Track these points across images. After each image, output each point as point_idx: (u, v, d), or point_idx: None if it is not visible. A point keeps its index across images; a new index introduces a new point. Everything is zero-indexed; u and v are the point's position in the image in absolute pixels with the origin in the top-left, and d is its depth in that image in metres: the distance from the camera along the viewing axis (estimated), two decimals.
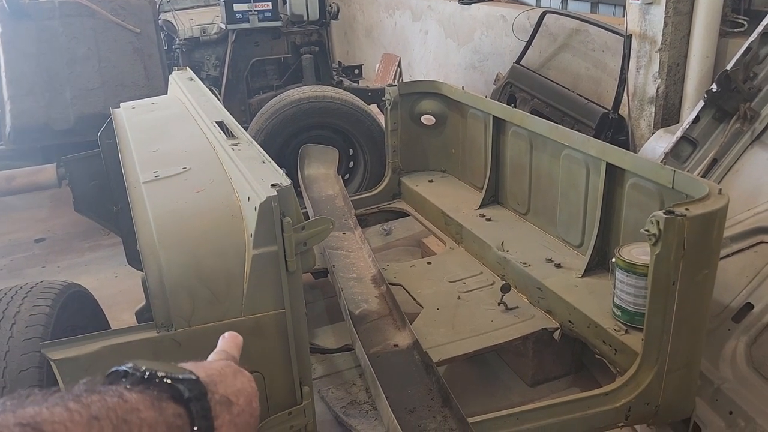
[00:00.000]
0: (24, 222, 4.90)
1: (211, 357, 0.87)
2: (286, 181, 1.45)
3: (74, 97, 4.02)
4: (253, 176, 1.51)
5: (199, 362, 0.74)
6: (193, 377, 0.68)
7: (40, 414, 0.54)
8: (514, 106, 4.24)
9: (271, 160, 1.63)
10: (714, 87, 2.84)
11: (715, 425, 2.15)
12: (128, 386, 0.63)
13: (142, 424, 0.60)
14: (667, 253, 1.78)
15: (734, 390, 2.18)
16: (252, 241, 1.42)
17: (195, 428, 0.66)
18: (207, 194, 1.62)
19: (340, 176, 3.79)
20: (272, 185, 1.42)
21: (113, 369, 0.67)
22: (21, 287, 1.96)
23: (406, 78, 6.93)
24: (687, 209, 1.79)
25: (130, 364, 0.67)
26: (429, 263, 3.03)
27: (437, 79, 3.75)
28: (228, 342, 0.89)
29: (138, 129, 2.25)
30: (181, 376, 0.67)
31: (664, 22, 3.66)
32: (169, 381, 0.66)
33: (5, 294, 1.90)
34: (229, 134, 1.92)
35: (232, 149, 1.76)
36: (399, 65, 6.63)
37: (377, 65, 7.02)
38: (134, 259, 2.78)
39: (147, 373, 0.66)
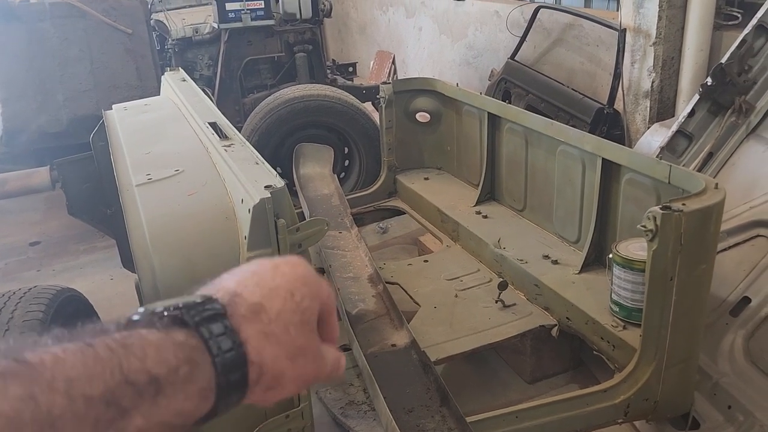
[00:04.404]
0: (18, 225, 4.87)
1: None
2: (279, 183, 1.43)
3: (66, 99, 4.00)
4: (246, 178, 1.49)
5: (227, 275, 0.65)
6: (198, 300, 0.60)
7: (22, 346, 0.49)
8: (509, 102, 4.23)
9: (265, 161, 1.62)
10: (709, 80, 2.83)
11: (714, 420, 2.15)
12: (124, 325, 0.56)
13: (146, 345, 0.54)
14: (664, 248, 1.78)
15: (733, 384, 2.17)
16: (246, 243, 1.41)
17: (213, 352, 0.57)
18: (200, 197, 1.61)
19: (335, 175, 3.78)
20: (266, 187, 1.40)
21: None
22: (14, 292, 1.94)
23: (400, 75, 6.90)
24: (684, 204, 1.78)
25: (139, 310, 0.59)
26: (426, 261, 3.02)
27: (432, 75, 3.74)
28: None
29: (130, 131, 2.23)
30: (181, 304, 0.59)
31: (658, 15, 3.65)
32: (167, 313, 0.58)
33: None
34: (222, 135, 1.90)
35: (225, 150, 1.74)
36: (393, 62, 6.61)
37: (371, 63, 7.00)
38: (129, 261, 2.75)
39: (143, 313, 0.58)
